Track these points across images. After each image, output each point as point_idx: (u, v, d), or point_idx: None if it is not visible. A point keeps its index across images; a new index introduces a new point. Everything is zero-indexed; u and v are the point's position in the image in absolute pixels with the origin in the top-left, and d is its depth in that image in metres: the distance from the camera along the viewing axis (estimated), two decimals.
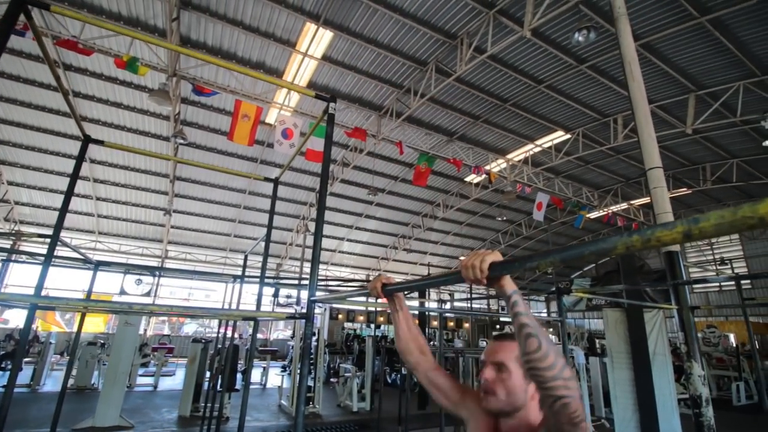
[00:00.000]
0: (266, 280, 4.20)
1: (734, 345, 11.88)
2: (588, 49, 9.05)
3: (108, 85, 9.97)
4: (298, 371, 8.12)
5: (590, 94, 10.76)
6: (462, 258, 22.09)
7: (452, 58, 9.38)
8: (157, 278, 12.28)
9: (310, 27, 8.75)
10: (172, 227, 16.44)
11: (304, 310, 2.14)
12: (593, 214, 17.14)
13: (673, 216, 4.90)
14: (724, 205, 17.32)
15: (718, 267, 19.52)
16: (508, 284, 0.95)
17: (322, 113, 2.69)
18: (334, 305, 18.51)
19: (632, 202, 17.19)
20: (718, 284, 19.20)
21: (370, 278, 20.14)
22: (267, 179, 4.06)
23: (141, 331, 14.15)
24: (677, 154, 13.49)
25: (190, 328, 21.63)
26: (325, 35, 8.98)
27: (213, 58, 2.39)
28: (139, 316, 7.41)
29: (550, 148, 13.16)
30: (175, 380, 10.62)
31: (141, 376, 10.19)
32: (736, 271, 18.89)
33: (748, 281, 16.36)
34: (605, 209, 16.61)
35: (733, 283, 7.53)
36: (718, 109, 9.84)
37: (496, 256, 0.95)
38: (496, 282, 0.95)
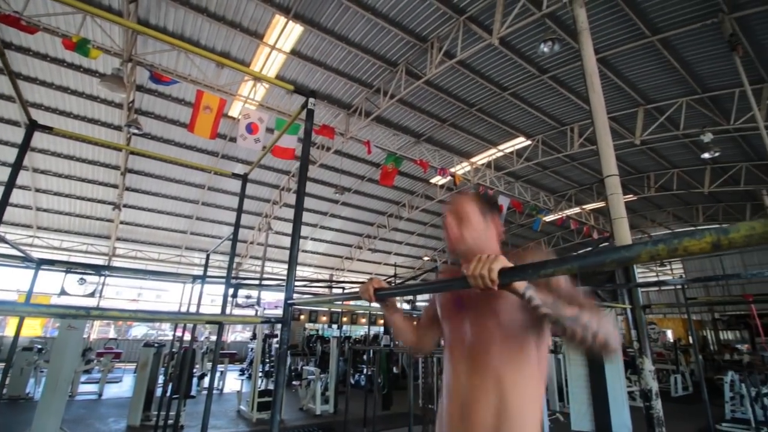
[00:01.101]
0: (231, 281, 4.00)
1: (672, 341, 12.90)
2: (550, 60, 9.45)
3: (53, 68, 9.15)
4: (260, 374, 7.87)
5: (550, 103, 11.26)
6: (437, 262, 22.01)
7: (422, 61, 9.47)
8: (103, 278, 11.43)
9: (280, 19, 8.49)
10: (122, 223, 15.40)
11: (269, 312, 2.06)
12: (549, 218, 17.95)
13: (628, 221, 5.20)
14: (664, 211, 18.79)
15: (658, 268, 21.13)
16: (518, 284, 0.95)
17: (300, 108, 2.60)
18: (296, 305, 18.17)
19: (584, 206, 18.19)
20: (657, 286, 20.78)
21: (334, 278, 19.83)
22: (235, 175, 3.89)
23: (84, 335, 13.11)
24: (625, 163, 14.42)
25: (138, 330, 20.38)
26: (295, 29, 8.76)
27: (175, 40, 2.21)
28: (86, 320, 6.85)
29: (511, 153, 13.64)
30: (122, 387, 9.92)
31: (84, 383, 9.43)
32: (674, 272, 20.52)
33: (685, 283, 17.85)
34: (560, 213, 17.47)
35: (655, 285, 8.24)
36: (663, 123, 10.64)
37: (504, 262, 0.93)
38: (506, 286, 0.94)
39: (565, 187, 16.95)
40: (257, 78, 9.82)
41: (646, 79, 9.74)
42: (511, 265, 0.92)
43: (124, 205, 14.24)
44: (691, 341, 15.43)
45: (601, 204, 17.05)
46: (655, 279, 18.30)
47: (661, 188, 15.12)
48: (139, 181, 13.72)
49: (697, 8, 7.39)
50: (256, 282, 12.51)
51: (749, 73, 7.79)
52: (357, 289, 1.44)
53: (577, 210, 18.08)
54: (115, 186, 13.52)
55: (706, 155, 10.18)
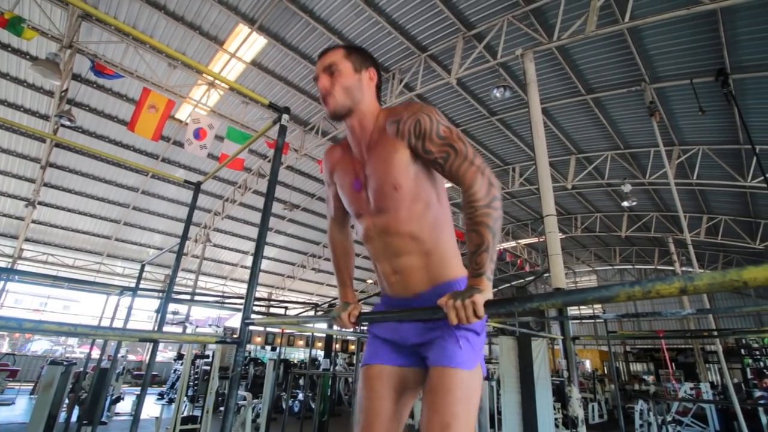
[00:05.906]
0: (166, 295, 3.69)
1: (590, 371, 13.93)
2: (499, 104, 10.22)
3: None
4: (185, 399, 7.22)
5: (496, 143, 12.09)
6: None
7: (383, 90, 9.76)
8: (4, 282, 9.96)
9: (243, 29, 8.37)
10: (34, 222, 13.67)
11: (200, 330, 1.96)
12: None
13: (562, 256, 5.65)
14: (587, 251, 20.60)
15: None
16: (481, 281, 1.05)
17: (272, 123, 2.58)
18: (228, 325, 17.09)
19: (520, 241, 19.44)
20: (579, 319, 22.51)
21: (273, 296, 18.86)
22: (188, 182, 3.69)
23: None
24: (557, 204, 15.70)
25: (39, 345, 17.87)
26: (258, 40, 8.67)
27: (128, 27, 2.11)
28: None
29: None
30: (14, 411, 8.53)
31: None
32: (594, 308, 22.40)
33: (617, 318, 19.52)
34: (498, 245, 18.50)
35: (591, 318, 9.06)
36: (591, 172, 11.87)
37: (485, 297, 0.98)
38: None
39: (504, 222, 18.02)
40: (213, 84, 9.50)
41: (579, 131, 10.86)
42: (492, 298, 0.98)
43: (40, 203, 12.70)
44: (606, 371, 16.81)
45: (535, 240, 18.33)
46: (578, 312, 19.81)
47: (585, 229, 16.66)
48: (61, 177, 12.38)
49: (625, 75, 8.49)
50: (185, 297, 11.65)
51: (663, 136, 9.00)
52: (328, 314, 1.42)
53: (513, 244, 19.27)
54: (31, 180, 12.06)
55: (625, 203, 11.45)
